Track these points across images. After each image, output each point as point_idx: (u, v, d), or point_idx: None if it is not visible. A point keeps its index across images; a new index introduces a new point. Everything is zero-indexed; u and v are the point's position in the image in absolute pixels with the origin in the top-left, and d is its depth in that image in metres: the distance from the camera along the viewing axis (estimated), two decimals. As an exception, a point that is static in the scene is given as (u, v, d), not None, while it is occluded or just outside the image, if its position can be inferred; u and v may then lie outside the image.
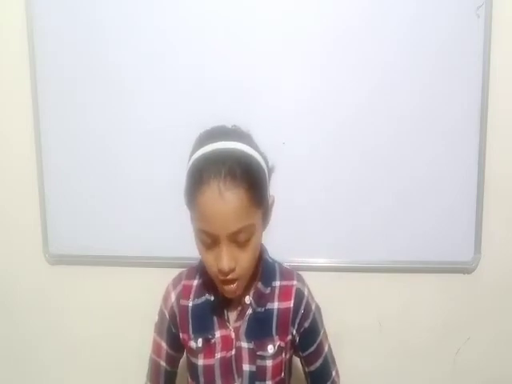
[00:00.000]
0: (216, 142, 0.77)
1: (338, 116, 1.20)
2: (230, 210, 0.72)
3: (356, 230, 1.23)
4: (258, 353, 0.84)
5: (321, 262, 1.24)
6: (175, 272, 1.24)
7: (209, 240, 0.76)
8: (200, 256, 0.82)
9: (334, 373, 0.94)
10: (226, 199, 0.71)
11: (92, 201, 1.28)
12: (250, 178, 0.74)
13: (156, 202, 1.26)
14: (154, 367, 0.94)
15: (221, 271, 0.76)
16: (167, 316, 0.90)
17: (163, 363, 0.93)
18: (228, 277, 0.77)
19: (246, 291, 0.85)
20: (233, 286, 0.79)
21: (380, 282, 1.27)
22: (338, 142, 1.20)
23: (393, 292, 1.28)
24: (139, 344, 1.36)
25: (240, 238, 0.75)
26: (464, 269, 1.26)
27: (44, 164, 1.29)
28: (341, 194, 1.22)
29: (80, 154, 1.27)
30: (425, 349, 1.31)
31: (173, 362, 0.94)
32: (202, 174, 0.73)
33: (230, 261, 0.75)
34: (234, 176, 0.72)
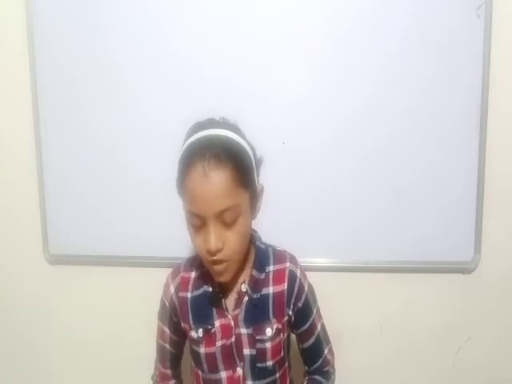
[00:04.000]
0: (203, 130, 0.82)
1: (338, 116, 1.19)
2: (215, 189, 0.76)
3: (356, 230, 1.23)
4: (256, 337, 0.88)
5: (321, 261, 1.24)
6: (175, 272, 1.23)
7: (198, 222, 0.80)
8: (191, 241, 0.85)
9: (326, 350, 0.98)
10: (211, 179, 0.76)
11: (92, 201, 1.28)
12: (234, 160, 0.78)
13: (156, 202, 1.26)
14: (161, 350, 1.00)
15: (209, 251, 0.79)
16: (168, 306, 0.95)
17: (168, 346, 0.98)
18: (216, 257, 0.80)
19: (240, 279, 0.90)
20: (221, 267, 0.82)
21: (380, 282, 1.27)
22: (337, 142, 1.20)
23: (393, 292, 1.28)
24: (139, 344, 1.36)
25: (227, 218, 0.78)
26: (464, 269, 1.26)
27: (44, 164, 1.29)
28: (341, 194, 1.22)
29: (80, 154, 1.27)
30: (425, 349, 1.31)
31: (177, 345, 0.99)
32: (188, 159, 0.79)
33: (217, 240, 0.79)
34: (217, 157, 0.77)
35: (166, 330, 0.96)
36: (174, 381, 1.02)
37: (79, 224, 1.30)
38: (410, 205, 1.22)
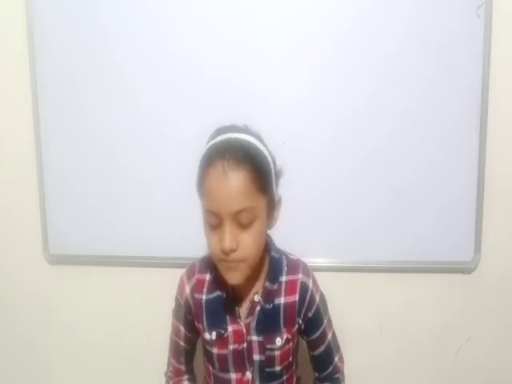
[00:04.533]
0: (225, 134, 0.85)
1: (338, 116, 1.19)
2: (233, 188, 0.78)
3: (356, 230, 1.23)
4: (267, 346, 0.90)
5: (321, 261, 1.24)
6: (175, 272, 1.24)
7: (215, 221, 0.81)
8: (207, 242, 0.85)
9: (336, 358, 0.99)
10: (230, 178, 0.77)
11: (92, 201, 1.28)
12: (253, 163, 0.80)
13: (156, 202, 1.26)
14: (175, 346, 1.02)
15: (223, 250, 0.80)
16: (183, 305, 0.96)
17: (182, 343, 1.00)
18: (229, 257, 0.81)
19: (254, 289, 0.91)
20: (233, 266, 0.82)
21: (380, 282, 1.27)
22: (337, 142, 1.20)
23: (393, 292, 1.28)
24: (139, 344, 1.37)
25: (243, 220, 0.80)
26: (464, 269, 1.26)
27: (44, 164, 1.29)
28: (341, 194, 1.22)
29: (80, 154, 1.27)
30: (425, 349, 1.31)
31: (191, 342, 1.01)
32: (209, 159, 0.81)
33: (232, 240, 0.79)
34: (237, 158, 0.78)
35: (181, 328, 0.98)
36: (187, 376, 1.03)
37: (79, 224, 1.30)
38: (410, 205, 1.22)
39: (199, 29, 1.19)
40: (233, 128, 0.87)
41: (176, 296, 0.98)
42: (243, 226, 0.80)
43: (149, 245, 1.28)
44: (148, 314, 1.33)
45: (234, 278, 0.84)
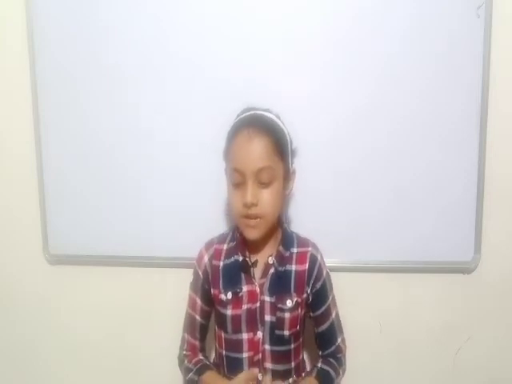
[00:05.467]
0: (251, 111, 1.00)
1: (338, 116, 1.19)
2: (256, 150, 0.92)
3: (356, 230, 1.23)
4: (278, 305, 0.98)
5: (321, 261, 1.24)
6: (175, 272, 1.25)
7: (239, 179, 0.93)
8: (229, 202, 0.99)
9: (339, 339, 1.07)
10: (253, 142, 0.92)
11: (92, 201, 1.28)
12: (273, 133, 0.95)
13: (156, 202, 1.26)
14: (190, 320, 1.07)
15: (245, 204, 0.92)
16: (201, 275, 1.04)
17: (198, 317, 1.06)
18: (250, 210, 0.93)
19: (268, 253, 1.01)
20: (253, 222, 0.94)
21: (380, 282, 1.27)
22: (337, 143, 1.20)
23: (393, 292, 1.28)
24: (139, 344, 1.36)
25: (263, 178, 0.92)
26: (464, 269, 1.26)
27: (44, 164, 1.29)
28: (341, 194, 1.22)
29: (80, 154, 1.27)
30: (425, 349, 1.31)
31: (206, 315, 1.08)
32: (237, 128, 0.96)
33: (253, 196, 0.92)
34: (260, 128, 0.93)
35: (198, 300, 1.05)
36: (201, 353, 1.08)
37: (79, 224, 1.30)
38: (410, 205, 1.22)
39: (199, 29, 1.19)
40: (257, 108, 1.01)
41: (194, 268, 1.06)
42: (263, 185, 0.93)
43: (149, 245, 1.28)
44: (148, 313, 1.33)
45: (253, 233, 0.96)
